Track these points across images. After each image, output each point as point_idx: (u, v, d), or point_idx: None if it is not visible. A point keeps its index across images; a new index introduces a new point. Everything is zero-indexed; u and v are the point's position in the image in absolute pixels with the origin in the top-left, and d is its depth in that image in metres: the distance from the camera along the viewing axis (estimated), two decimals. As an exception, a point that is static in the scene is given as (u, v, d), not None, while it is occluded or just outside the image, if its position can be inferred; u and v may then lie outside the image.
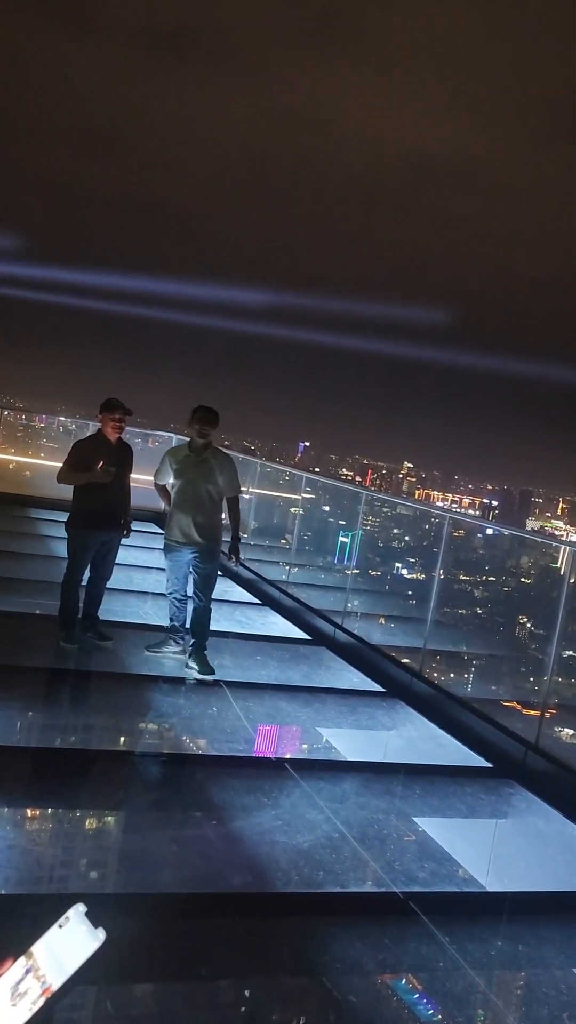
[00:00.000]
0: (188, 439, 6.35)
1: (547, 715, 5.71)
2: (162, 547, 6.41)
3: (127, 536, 6.51)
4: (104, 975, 2.88)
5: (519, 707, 6.74)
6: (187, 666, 6.22)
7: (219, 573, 6.70)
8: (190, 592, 6.43)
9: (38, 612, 7.28)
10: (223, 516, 6.47)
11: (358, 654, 7.40)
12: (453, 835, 4.56)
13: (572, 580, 6.39)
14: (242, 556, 6.73)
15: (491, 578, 10.36)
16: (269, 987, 3.23)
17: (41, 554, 9.72)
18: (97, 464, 6.10)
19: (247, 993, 3.21)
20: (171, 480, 6.30)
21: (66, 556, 6.43)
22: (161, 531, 7.58)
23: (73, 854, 3.93)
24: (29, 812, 4.21)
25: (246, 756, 5.06)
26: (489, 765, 5.46)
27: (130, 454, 6.53)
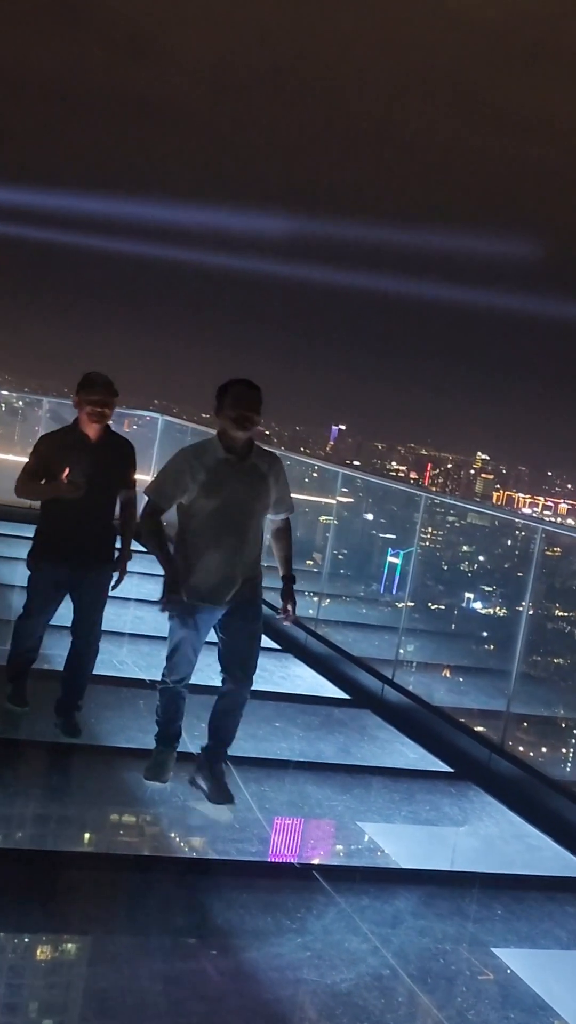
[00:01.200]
0: (217, 433, 5.28)
1: None
2: (160, 606, 5.27)
3: (117, 583, 5.95)
4: None
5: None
6: (195, 784, 5.51)
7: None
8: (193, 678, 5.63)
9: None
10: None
11: (415, 719, 7.43)
12: (548, 972, 4.59)
13: None
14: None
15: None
16: None
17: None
18: (63, 471, 5.49)
19: None
20: (184, 500, 5.26)
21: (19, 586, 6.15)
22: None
23: (21, 995, 3.95)
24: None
25: (260, 862, 5.08)
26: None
27: (125, 455, 5.95)
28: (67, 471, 5.45)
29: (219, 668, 5.41)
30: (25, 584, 5.97)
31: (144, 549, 5.59)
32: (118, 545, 6.04)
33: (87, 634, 5.95)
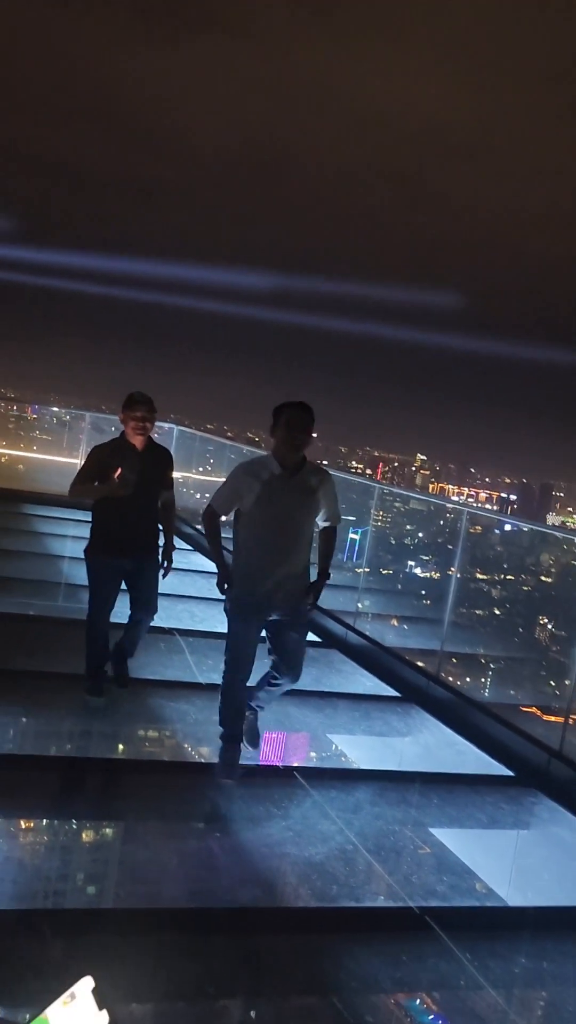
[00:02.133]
0: (272, 450, 4.68)
1: (571, 721, 5.73)
2: (225, 608, 4.73)
3: (165, 574, 5.39)
4: (107, 993, 2.90)
5: (540, 713, 6.75)
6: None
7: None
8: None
9: (31, 613, 7.31)
10: None
11: (371, 657, 7.42)
12: (473, 847, 4.59)
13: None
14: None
15: (510, 577, 10.35)
16: (279, 1006, 3.25)
17: (35, 552, 9.77)
18: (114, 473, 5.01)
19: (255, 1013, 3.23)
20: (241, 509, 4.73)
21: (85, 583, 5.41)
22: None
23: (71, 867, 3.96)
24: (24, 824, 4.24)
25: (253, 764, 5.09)
26: (510, 773, 5.48)
27: (165, 462, 5.39)
28: (119, 471, 4.98)
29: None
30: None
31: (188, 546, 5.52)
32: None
33: (146, 609, 5.40)
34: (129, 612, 5.41)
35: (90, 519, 5.31)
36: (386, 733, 6.01)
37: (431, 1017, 3.25)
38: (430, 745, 5.91)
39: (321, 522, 4.82)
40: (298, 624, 4.75)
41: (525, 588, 10.47)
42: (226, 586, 4.68)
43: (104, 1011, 1.26)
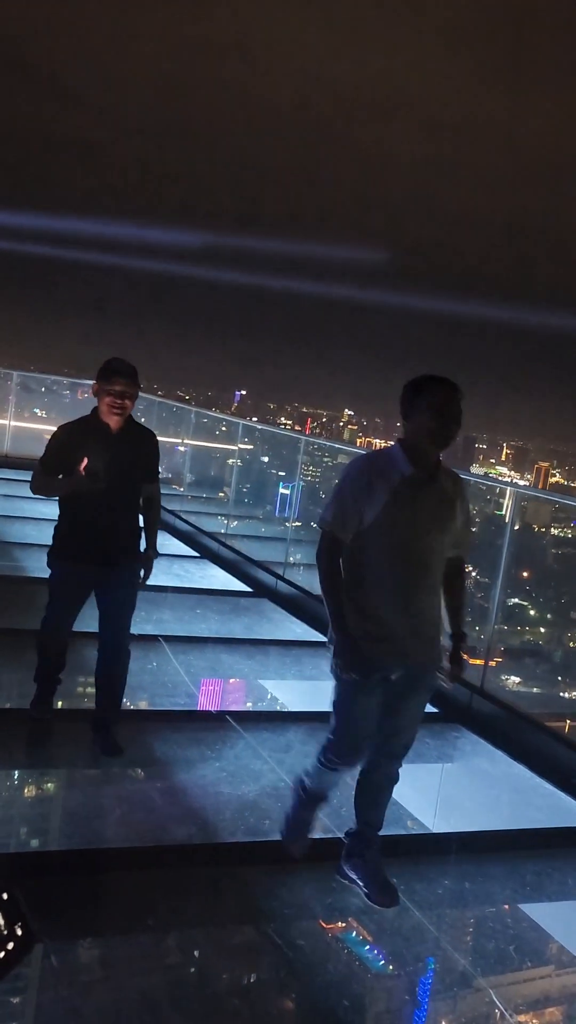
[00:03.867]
0: (400, 442, 3.23)
1: (492, 662, 5.90)
2: (334, 671, 3.27)
3: (145, 579, 4.34)
4: (49, 930, 2.94)
5: (464, 655, 6.93)
6: (346, 876, 3.53)
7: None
8: None
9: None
10: None
11: (300, 605, 7.51)
12: (400, 779, 4.71)
13: (516, 527, 6.55)
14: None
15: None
16: (218, 936, 3.33)
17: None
18: (81, 463, 4.00)
19: (196, 942, 3.31)
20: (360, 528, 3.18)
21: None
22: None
23: (11, 813, 3.98)
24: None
25: (188, 710, 5.14)
26: (436, 711, 5.61)
27: (149, 447, 4.33)
28: (85, 462, 3.98)
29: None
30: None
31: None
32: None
33: (116, 637, 4.33)
34: (98, 652, 4.40)
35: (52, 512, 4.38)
36: (316, 677, 6.10)
37: (367, 948, 3.33)
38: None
39: (457, 551, 3.37)
40: (424, 687, 3.34)
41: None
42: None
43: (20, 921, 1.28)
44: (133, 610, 4.39)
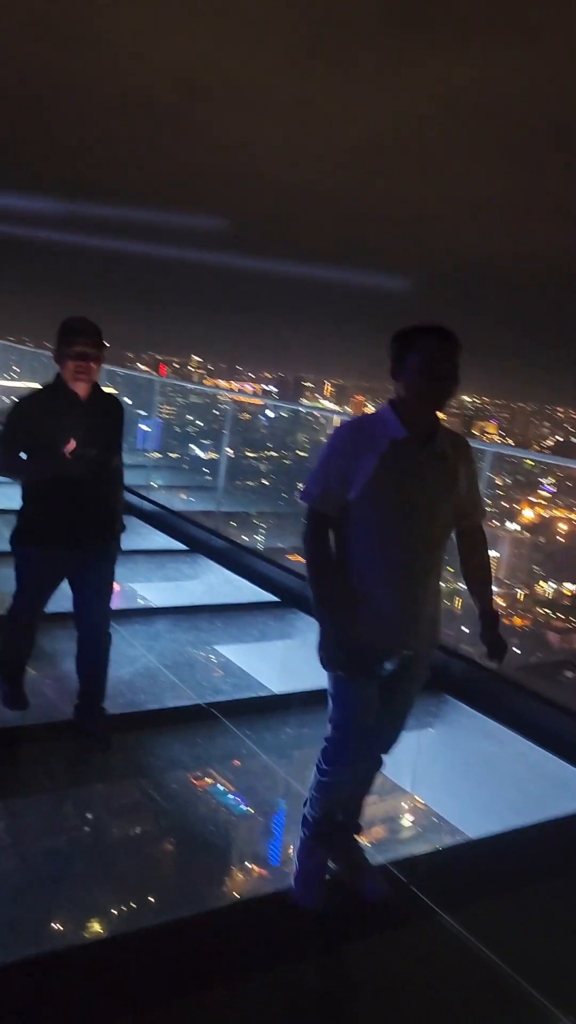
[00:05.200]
0: (391, 403, 2.39)
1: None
2: (324, 662, 2.43)
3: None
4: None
5: (299, 557, 7.15)
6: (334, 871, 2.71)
7: None
8: None
9: None
10: None
11: (163, 520, 7.51)
12: (249, 656, 4.86)
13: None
14: None
15: (273, 453, 10.66)
16: (107, 792, 3.40)
17: None
18: (66, 444, 3.07)
19: (87, 797, 3.36)
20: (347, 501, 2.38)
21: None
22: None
23: None
24: None
25: (68, 612, 5.10)
26: (277, 599, 5.79)
27: (118, 416, 3.44)
28: (72, 444, 3.06)
29: None
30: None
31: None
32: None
33: (96, 624, 3.52)
34: (77, 634, 3.54)
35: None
36: (177, 578, 6.17)
37: (230, 796, 3.42)
38: (214, 584, 6.12)
39: (466, 519, 2.52)
40: (420, 675, 2.54)
41: (286, 462, 10.79)
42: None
43: None
44: (111, 595, 3.54)
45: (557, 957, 2.46)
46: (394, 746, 2.61)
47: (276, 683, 4.51)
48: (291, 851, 2.80)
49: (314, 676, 4.71)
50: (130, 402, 11.52)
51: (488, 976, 2.31)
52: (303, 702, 4.19)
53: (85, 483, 3.16)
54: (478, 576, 2.56)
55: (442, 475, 2.38)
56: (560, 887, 2.80)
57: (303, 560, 2.41)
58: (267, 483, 10.78)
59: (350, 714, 2.46)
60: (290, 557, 7.15)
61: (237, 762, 3.66)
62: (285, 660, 5.03)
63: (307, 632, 5.31)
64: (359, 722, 2.46)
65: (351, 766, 2.52)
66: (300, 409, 12.14)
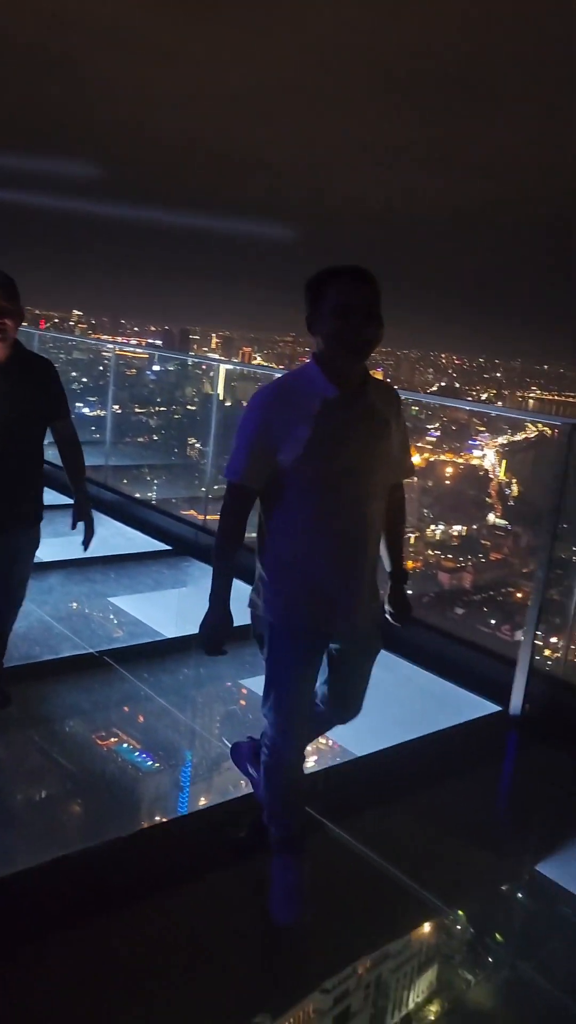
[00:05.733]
0: (315, 357, 2.14)
1: (209, 516, 6.23)
2: (258, 635, 2.30)
3: (88, 539, 3.30)
4: None
5: (194, 512, 7.23)
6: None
7: None
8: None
9: None
10: None
11: (49, 476, 7.36)
12: (143, 605, 4.93)
13: (228, 403, 6.82)
14: None
15: (162, 408, 10.60)
16: (9, 739, 3.41)
17: None
18: None
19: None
20: (276, 467, 2.13)
21: None
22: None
23: None
24: None
25: None
26: (169, 548, 5.84)
27: (46, 378, 2.96)
28: None
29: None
30: None
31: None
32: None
33: (11, 593, 3.18)
34: None
35: None
36: (68, 533, 6.09)
37: (136, 754, 3.42)
38: (105, 536, 6.08)
39: (395, 478, 2.36)
40: (370, 648, 2.38)
41: (176, 416, 10.76)
42: (260, 609, 2.25)
43: None
44: (27, 581, 3.21)
45: (437, 855, 2.68)
46: (356, 713, 2.44)
47: (172, 628, 4.59)
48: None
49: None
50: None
51: (375, 876, 2.51)
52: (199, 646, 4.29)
53: (5, 458, 2.80)
54: (394, 534, 2.38)
55: (377, 432, 2.17)
56: (438, 792, 3.04)
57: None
58: (157, 439, 10.75)
59: (284, 693, 2.24)
60: (184, 506, 7.22)
61: (127, 709, 3.73)
62: (180, 607, 5.12)
63: (201, 579, 5.41)
64: (295, 701, 2.25)
65: (290, 749, 2.30)
66: (188, 361, 12.07)
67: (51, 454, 3.14)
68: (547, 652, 4.12)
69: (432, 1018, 2.28)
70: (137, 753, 3.41)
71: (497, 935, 2.55)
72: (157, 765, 3.37)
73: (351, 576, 2.19)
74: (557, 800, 3.13)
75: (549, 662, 3.95)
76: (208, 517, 6.08)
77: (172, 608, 5.08)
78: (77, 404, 11.13)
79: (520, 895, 2.79)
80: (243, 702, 3.93)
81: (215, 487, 6.42)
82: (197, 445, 10.00)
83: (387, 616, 2.40)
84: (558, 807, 3.07)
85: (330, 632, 2.23)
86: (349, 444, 2.11)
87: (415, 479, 9.87)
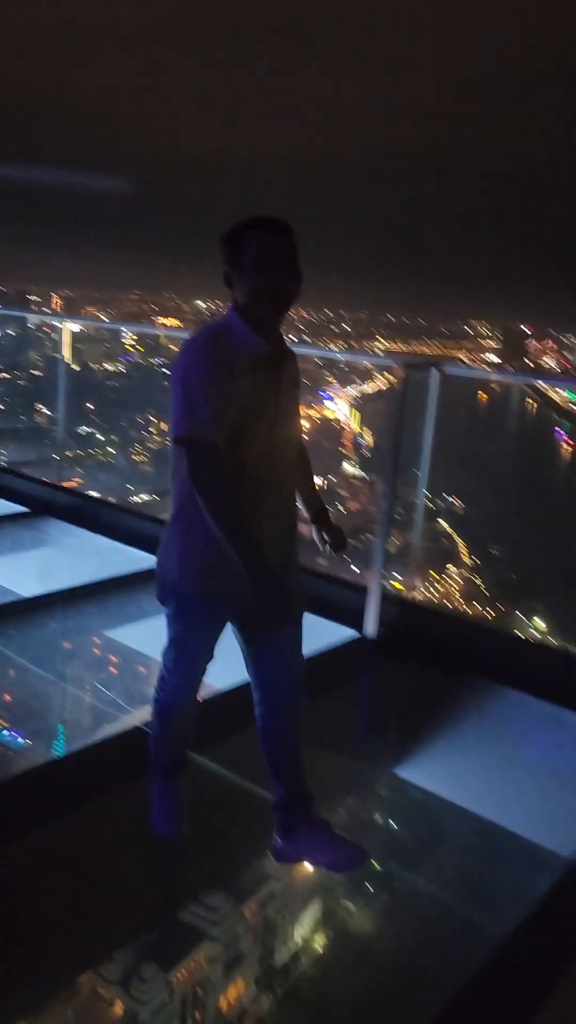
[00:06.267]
0: (237, 310, 2.02)
1: (71, 482, 6.18)
2: (174, 605, 2.18)
3: None
4: None
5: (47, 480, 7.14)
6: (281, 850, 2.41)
7: None
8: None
9: None
10: None
11: None
12: (3, 567, 4.86)
13: (77, 367, 6.72)
14: None
15: (5, 375, 10.29)
16: None
17: None
18: None
19: None
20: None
21: None
22: None
23: None
24: None
25: None
26: (27, 510, 5.76)
27: None
28: None
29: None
30: None
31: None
32: None
33: None
34: None
35: None
36: None
37: (5, 732, 3.31)
38: None
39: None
40: (299, 618, 2.30)
41: (21, 382, 10.46)
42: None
43: None
44: None
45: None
46: (299, 686, 2.32)
47: (34, 587, 4.55)
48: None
49: (69, 576, 4.83)
50: None
51: (245, 796, 2.69)
52: (66, 600, 4.29)
53: None
54: (309, 483, 2.36)
55: (293, 391, 2.12)
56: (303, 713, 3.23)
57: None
58: (3, 407, 10.45)
59: (191, 658, 2.25)
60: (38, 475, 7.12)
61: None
62: (43, 565, 5.08)
63: (60, 537, 5.39)
64: (197, 663, 2.26)
65: (186, 700, 2.34)
66: (29, 324, 11.69)
67: None
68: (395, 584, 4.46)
69: (320, 951, 2.36)
70: (12, 737, 3.31)
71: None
72: (30, 742, 3.28)
73: (281, 543, 2.12)
74: (409, 709, 3.41)
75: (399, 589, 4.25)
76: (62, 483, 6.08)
77: (32, 568, 5.03)
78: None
79: (383, 795, 3.05)
80: (113, 656, 3.98)
81: (76, 455, 6.38)
82: (45, 410, 9.80)
83: (328, 547, 2.37)
84: (411, 716, 3.36)
85: (244, 600, 1.93)
86: (274, 404, 2.04)
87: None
